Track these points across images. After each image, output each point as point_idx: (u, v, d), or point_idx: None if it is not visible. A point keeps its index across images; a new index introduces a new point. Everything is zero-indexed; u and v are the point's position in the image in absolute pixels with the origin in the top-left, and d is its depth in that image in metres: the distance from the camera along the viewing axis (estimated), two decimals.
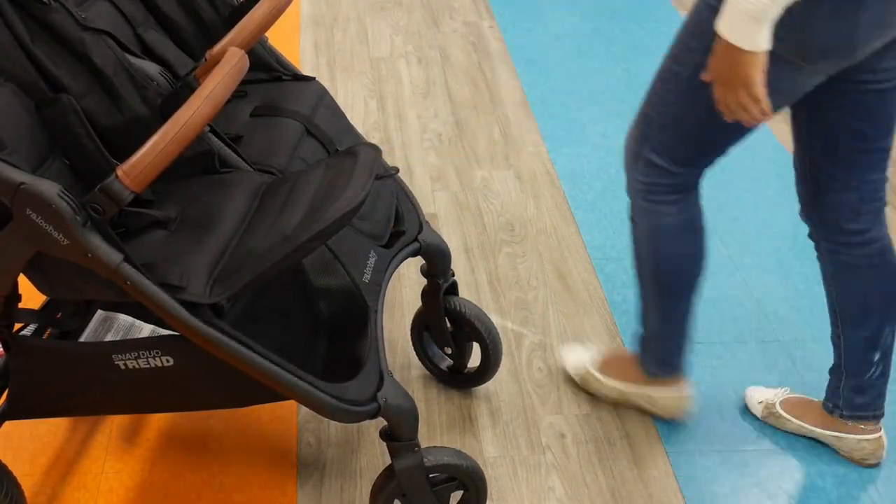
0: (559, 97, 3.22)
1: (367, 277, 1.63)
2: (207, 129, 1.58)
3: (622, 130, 3.03)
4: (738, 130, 1.62)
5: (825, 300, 1.85)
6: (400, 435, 1.52)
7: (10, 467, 1.80)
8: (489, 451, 1.92)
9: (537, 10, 3.83)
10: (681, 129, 1.65)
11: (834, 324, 1.86)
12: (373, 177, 1.43)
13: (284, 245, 1.35)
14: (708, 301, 2.33)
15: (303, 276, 1.63)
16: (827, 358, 2.19)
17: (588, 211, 2.65)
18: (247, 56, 1.43)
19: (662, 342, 1.90)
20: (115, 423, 1.94)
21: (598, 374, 2.01)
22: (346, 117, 1.91)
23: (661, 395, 1.96)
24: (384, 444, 1.55)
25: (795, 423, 1.96)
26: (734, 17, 1.34)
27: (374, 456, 1.89)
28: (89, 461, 1.85)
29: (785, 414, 1.96)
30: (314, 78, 1.90)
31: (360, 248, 1.65)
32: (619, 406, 2.03)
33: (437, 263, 1.84)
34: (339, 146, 1.79)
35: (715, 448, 1.95)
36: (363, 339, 1.55)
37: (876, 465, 1.91)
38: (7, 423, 1.89)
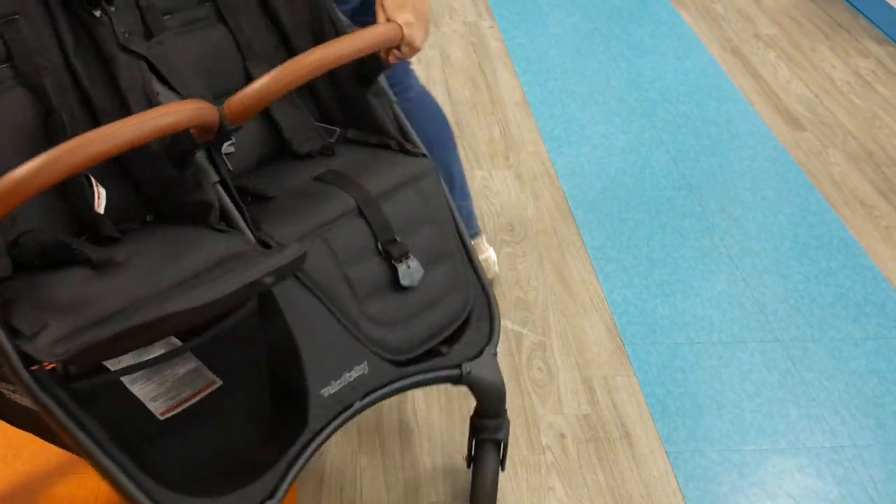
0: (559, 97, 3.22)
1: (329, 391, 1.41)
2: (217, 179, 1.41)
3: (622, 130, 3.03)
4: None
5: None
6: None
7: (10, 467, 1.80)
8: None
9: (537, 10, 3.83)
10: None
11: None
12: (256, 284, 1.22)
13: (126, 321, 1.16)
14: (708, 301, 2.33)
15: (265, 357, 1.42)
16: (826, 357, 2.19)
17: (588, 211, 2.65)
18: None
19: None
20: None
21: None
22: (447, 209, 1.62)
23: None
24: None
25: None
26: None
27: (375, 456, 1.89)
28: None
29: None
30: (425, 155, 1.64)
31: (346, 350, 1.44)
32: (620, 406, 2.03)
33: (484, 402, 1.63)
34: (405, 238, 1.53)
35: (715, 448, 1.95)
36: (279, 459, 1.36)
37: (491, 280, 2.22)
38: (7, 424, 1.89)
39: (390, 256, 1.49)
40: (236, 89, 1.40)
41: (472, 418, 1.70)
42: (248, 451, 1.40)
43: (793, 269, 2.46)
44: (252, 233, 1.41)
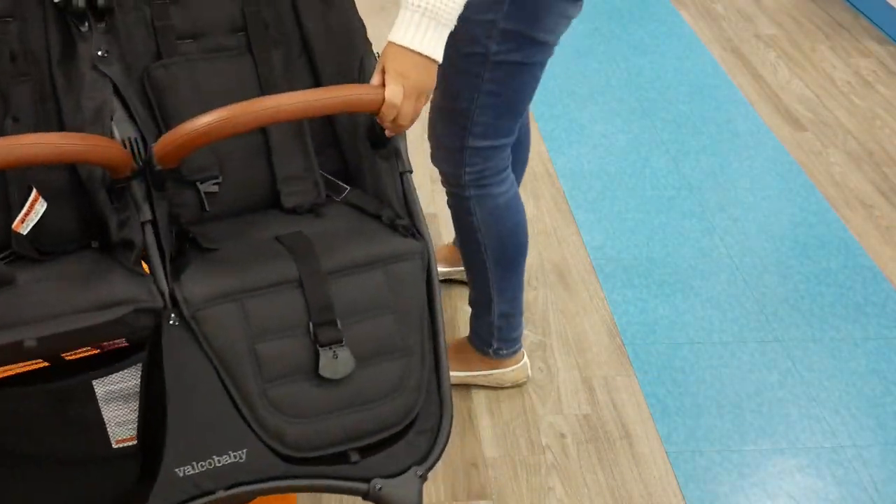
0: (559, 97, 3.22)
1: (187, 471, 1.26)
2: (148, 219, 1.31)
3: (622, 130, 3.03)
4: (536, 80, 1.73)
5: (470, 252, 1.89)
6: None
7: None
8: (489, 451, 1.92)
9: None
10: (500, 106, 1.71)
11: (481, 269, 1.90)
12: (15, 346, 1.14)
13: None
14: (708, 301, 2.33)
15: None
16: (826, 357, 2.19)
17: (588, 211, 2.65)
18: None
19: (509, 319, 1.96)
20: None
21: None
22: (421, 299, 1.41)
23: (507, 372, 2.03)
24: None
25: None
26: (425, 28, 1.34)
27: None
28: None
29: None
30: (419, 237, 1.43)
31: (225, 431, 1.29)
32: (620, 406, 2.03)
33: None
34: (349, 323, 1.35)
35: (715, 448, 1.95)
36: None
37: (525, 383, 2.07)
38: None
39: (318, 341, 1.32)
40: None
41: None
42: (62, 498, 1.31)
43: (793, 269, 2.46)
44: (167, 283, 1.28)
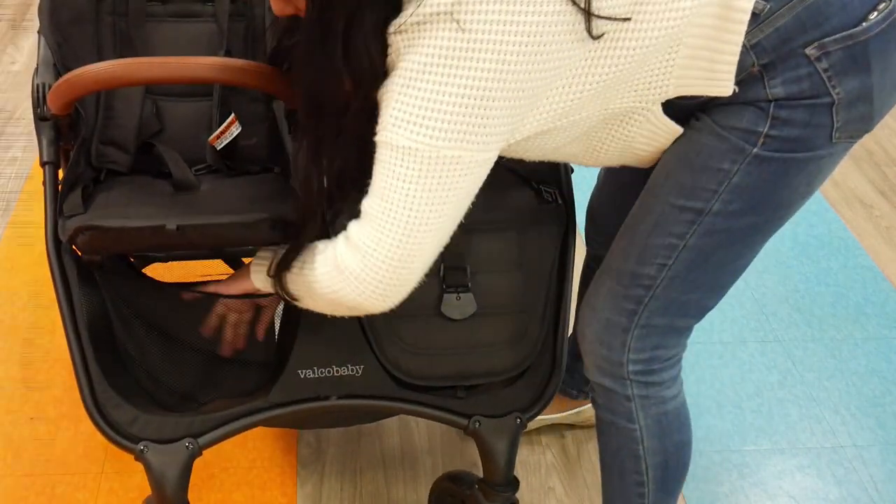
0: None
1: (308, 374, 1.39)
2: None
3: None
4: (755, 251, 1.35)
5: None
6: None
7: (10, 467, 1.80)
8: None
9: None
10: (696, 279, 1.28)
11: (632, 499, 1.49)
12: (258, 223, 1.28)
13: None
14: None
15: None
16: (826, 357, 2.19)
17: None
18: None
19: None
20: None
21: None
22: (549, 264, 1.46)
23: None
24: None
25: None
26: None
27: (374, 456, 1.89)
28: (89, 461, 1.85)
29: None
30: (560, 204, 1.45)
31: (348, 346, 1.40)
32: None
33: (485, 466, 1.47)
34: (478, 273, 1.42)
35: (715, 448, 1.95)
36: (224, 408, 1.38)
37: None
38: (7, 424, 1.89)
39: (445, 282, 1.40)
40: None
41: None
42: (209, 382, 1.47)
43: (793, 269, 2.46)
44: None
